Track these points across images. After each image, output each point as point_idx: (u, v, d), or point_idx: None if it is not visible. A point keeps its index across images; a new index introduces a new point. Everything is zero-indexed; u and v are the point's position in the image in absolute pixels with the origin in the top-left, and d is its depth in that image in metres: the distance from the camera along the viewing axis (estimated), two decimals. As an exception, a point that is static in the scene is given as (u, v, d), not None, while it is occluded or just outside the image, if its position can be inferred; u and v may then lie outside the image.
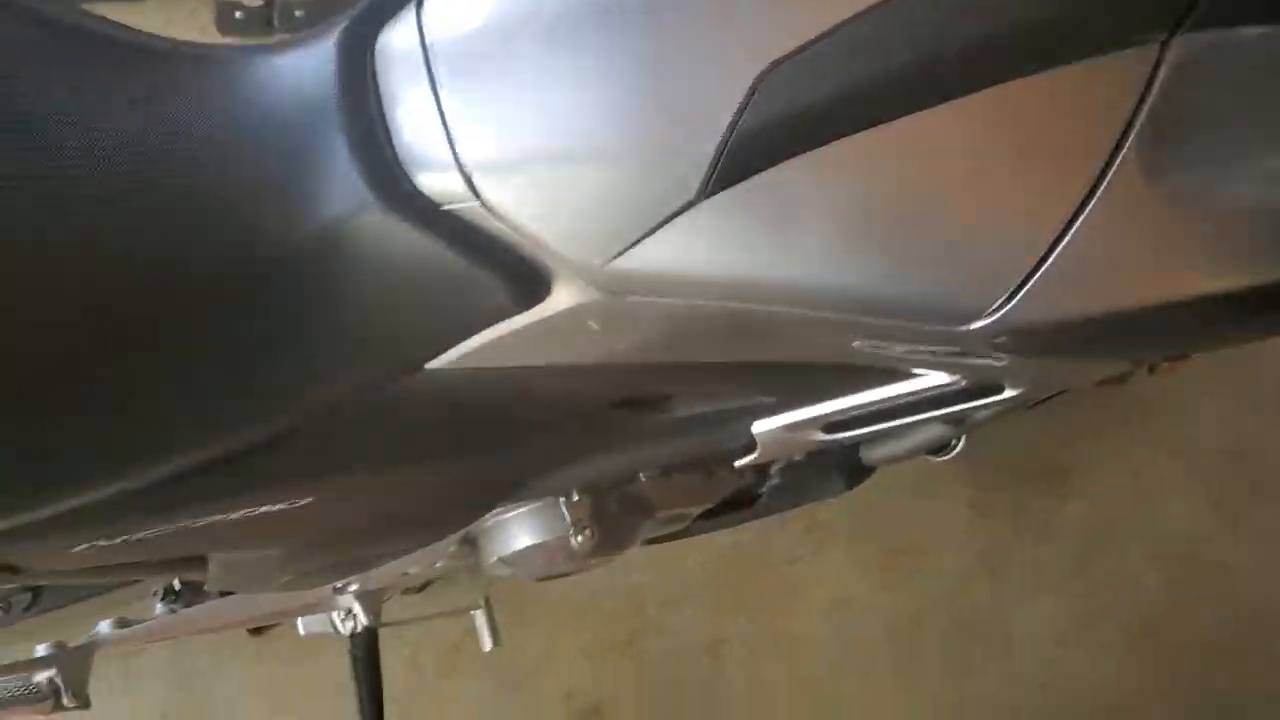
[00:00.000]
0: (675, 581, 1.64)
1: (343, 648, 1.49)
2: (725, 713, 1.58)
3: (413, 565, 1.02)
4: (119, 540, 0.67)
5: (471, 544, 1.04)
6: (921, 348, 0.65)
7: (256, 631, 1.18)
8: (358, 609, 1.10)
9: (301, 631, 1.15)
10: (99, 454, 0.60)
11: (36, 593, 1.00)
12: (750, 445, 0.88)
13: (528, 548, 0.99)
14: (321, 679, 1.48)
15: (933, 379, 0.76)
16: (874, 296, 0.57)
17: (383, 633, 1.43)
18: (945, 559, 1.71)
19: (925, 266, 0.57)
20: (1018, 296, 0.54)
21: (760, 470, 1.19)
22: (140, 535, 0.67)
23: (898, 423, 0.86)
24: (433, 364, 0.65)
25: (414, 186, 0.56)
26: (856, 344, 0.66)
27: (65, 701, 0.89)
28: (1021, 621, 1.68)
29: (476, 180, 0.54)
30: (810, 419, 0.84)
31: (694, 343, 0.66)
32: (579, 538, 0.97)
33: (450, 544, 1.03)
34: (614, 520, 0.99)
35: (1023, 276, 0.53)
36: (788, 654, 1.63)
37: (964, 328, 0.57)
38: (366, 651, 1.09)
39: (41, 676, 0.88)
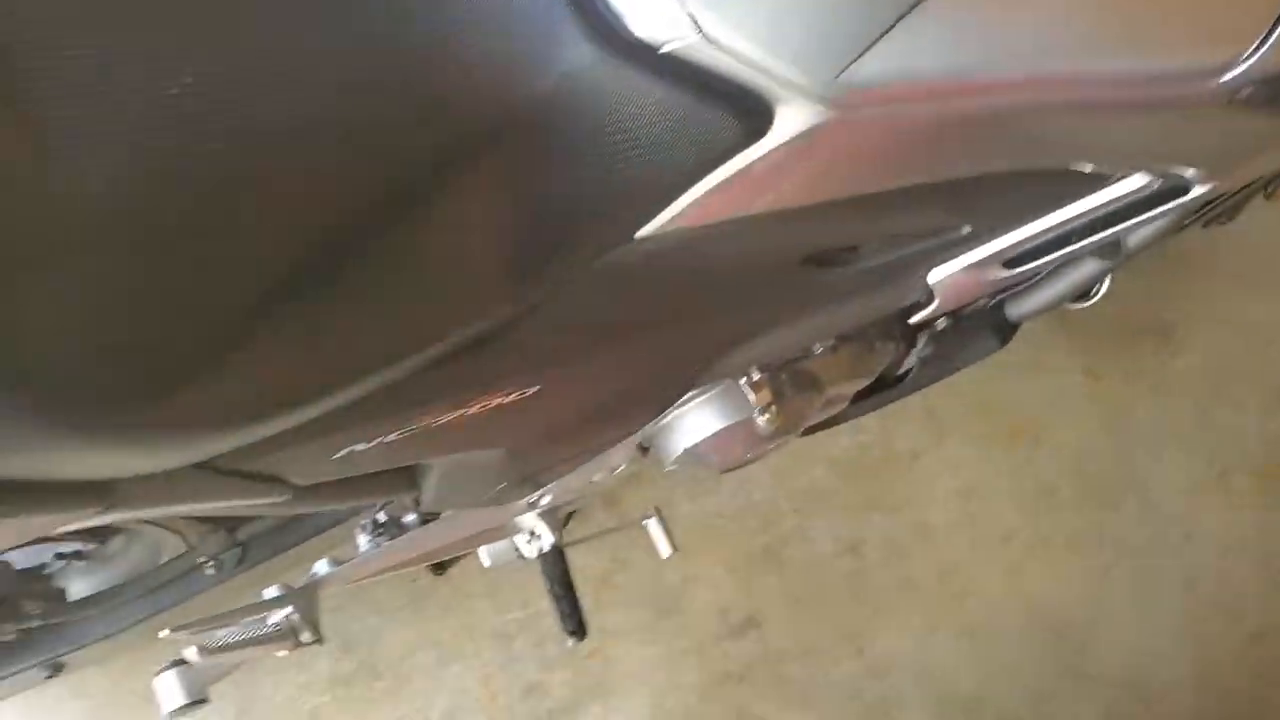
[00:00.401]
0: (804, 491, 1.66)
1: (491, 592, 1.52)
2: (875, 607, 1.60)
3: (601, 469, 1.04)
4: (374, 443, 0.69)
5: (653, 444, 1.06)
6: (1147, 127, 0.65)
7: (439, 569, 1.20)
8: (542, 529, 1.12)
9: (487, 562, 1.17)
10: (372, 344, 0.62)
11: (244, 548, 1.03)
12: (928, 296, 0.89)
13: (715, 434, 1.01)
14: (478, 625, 1.51)
15: (1128, 184, 0.77)
16: (1115, 67, 0.58)
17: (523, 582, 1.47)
18: (1065, 430, 1.72)
19: (1167, 25, 0.58)
20: (1268, 44, 0.55)
21: (910, 341, 1.20)
22: (392, 436, 0.69)
23: (1074, 248, 0.87)
24: (643, 231, 0.66)
25: (631, 32, 0.56)
26: (1081, 135, 0.66)
27: (303, 638, 0.91)
28: (1153, 479, 1.69)
29: (695, 12, 0.55)
30: (992, 254, 0.84)
31: (916, 159, 0.67)
32: (764, 417, 0.99)
33: (637, 440, 1.05)
34: (791, 398, 1.01)
35: (1271, 23, 0.53)
36: (926, 545, 1.64)
37: (1210, 83, 0.58)
38: (558, 569, 1.11)
39: (277, 616, 0.91)
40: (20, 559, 1.10)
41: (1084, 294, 1.25)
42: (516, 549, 1.16)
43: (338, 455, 0.68)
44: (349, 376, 0.61)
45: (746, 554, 1.62)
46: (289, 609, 0.91)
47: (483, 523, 1.05)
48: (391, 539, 1.01)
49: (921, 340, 1.22)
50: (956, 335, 1.23)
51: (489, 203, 0.61)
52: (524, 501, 1.03)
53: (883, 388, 1.27)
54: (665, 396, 0.92)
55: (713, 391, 1.01)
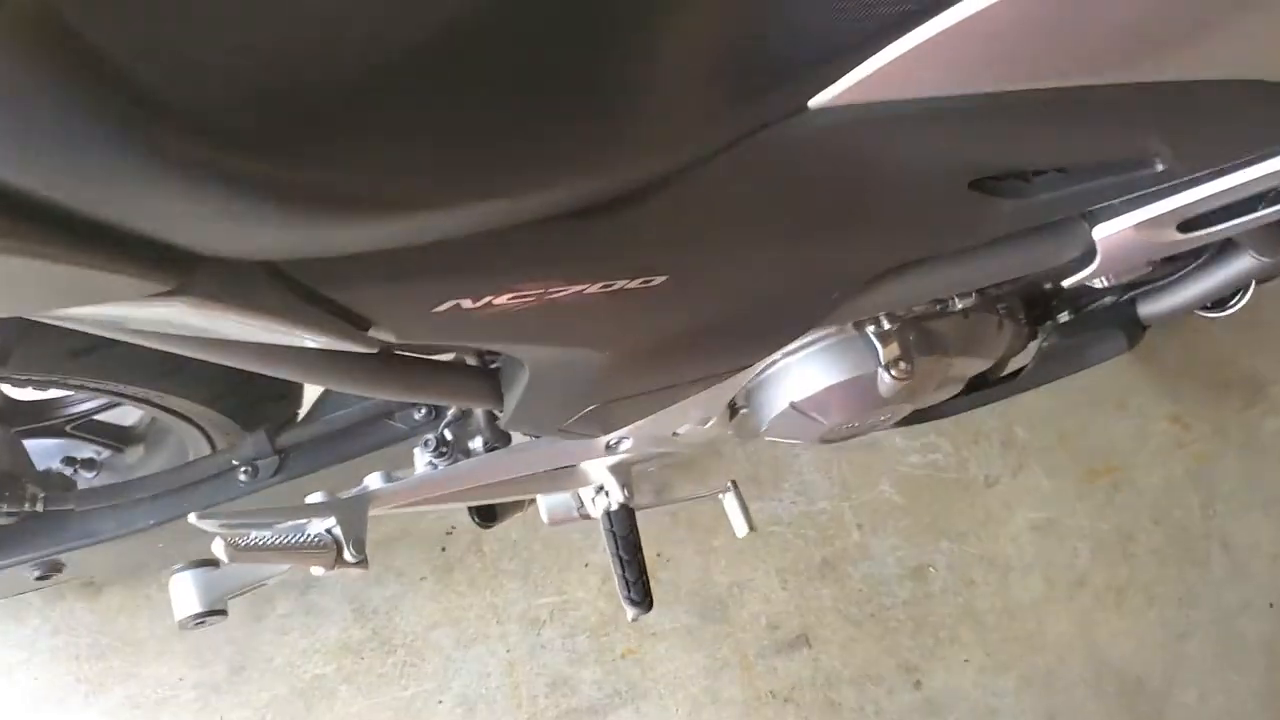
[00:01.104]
0: (870, 505, 1.53)
1: (524, 572, 1.39)
2: (937, 638, 1.46)
3: (688, 419, 0.92)
4: (481, 303, 0.58)
5: (752, 400, 0.94)
6: None
7: (488, 519, 1.07)
8: (611, 484, 1.00)
9: (545, 518, 1.04)
10: (508, 160, 0.51)
11: (283, 457, 0.90)
12: (1089, 253, 0.79)
13: (830, 388, 0.89)
14: (506, 607, 1.38)
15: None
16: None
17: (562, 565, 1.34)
18: (1148, 476, 1.59)
19: None
20: None
21: (1030, 333, 1.09)
22: (503, 299, 0.58)
23: (1260, 214, 0.78)
24: (818, 100, 0.56)
25: None
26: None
27: (347, 555, 0.78)
28: (1237, 540, 1.56)
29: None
30: (1171, 211, 0.75)
31: (1119, 40, 0.57)
32: (890, 373, 0.87)
33: (732, 396, 0.93)
34: (919, 359, 0.89)
35: None
36: (994, 578, 1.51)
37: None
38: (626, 528, 0.98)
39: (319, 527, 0.78)
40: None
41: (1222, 301, 1.15)
42: (580, 505, 1.03)
43: (440, 308, 0.57)
44: (477, 190, 0.51)
45: (804, 566, 1.48)
46: (332, 520, 0.78)
47: (552, 460, 0.93)
48: (453, 462, 0.88)
49: (1044, 333, 1.11)
50: (1082, 331, 1.12)
51: (678, 32, 0.53)
52: (601, 442, 0.91)
53: (993, 382, 1.15)
54: (788, 326, 0.80)
55: (833, 339, 0.89)
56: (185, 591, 0.77)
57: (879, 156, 0.64)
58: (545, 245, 0.57)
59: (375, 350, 0.60)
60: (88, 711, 1.21)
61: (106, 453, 1.08)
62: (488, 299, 0.58)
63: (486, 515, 1.10)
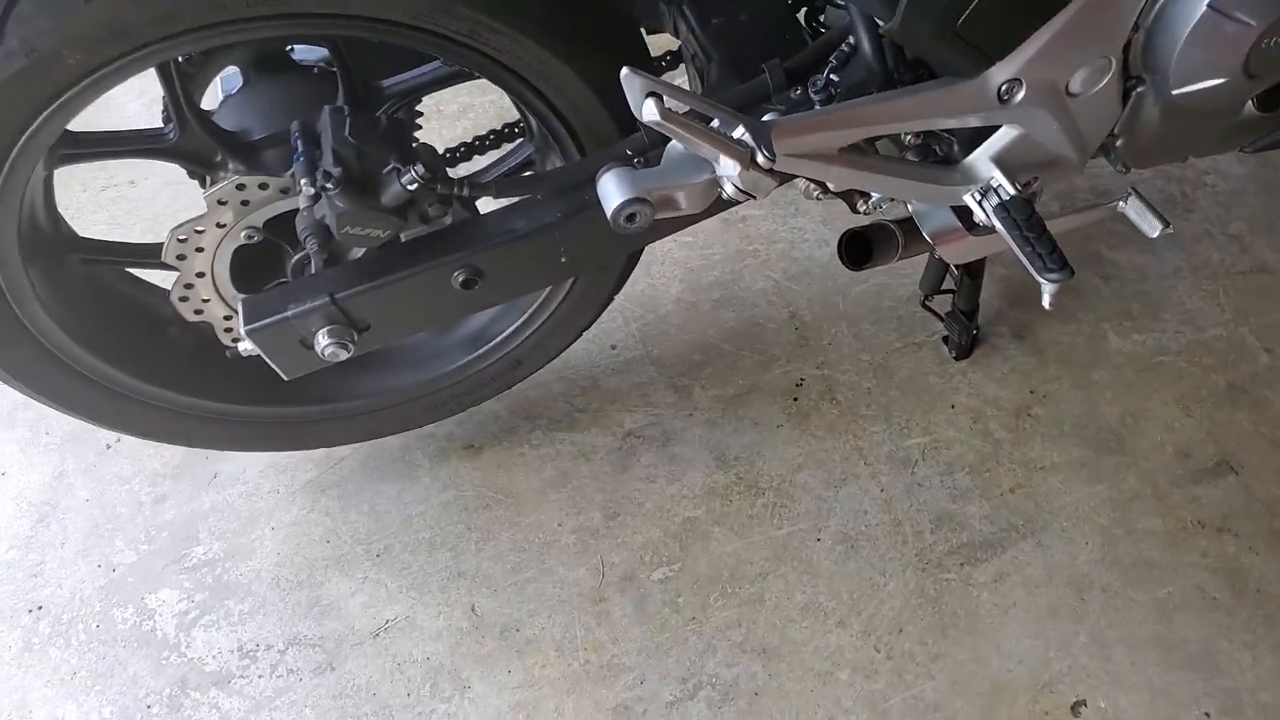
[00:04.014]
0: (1274, 328, 1.33)
1: (886, 415, 1.31)
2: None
3: (1095, 41, 0.84)
4: None
5: (1158, 20, 0.86)
6: None
7: (858, 263, 1.02)
8: (999, 178, 0.93)
9: (927, 235, 0.98)
10: None
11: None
12: None
13: None
14: (872, 450, 1.29)
15: None
16: None
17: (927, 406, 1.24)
18: None
19: None
20: None
21: None
22: None
23: None
24: None
25: None
26: None
27: (760, 159, 0.77)
28: None
29: None
30: None
31: None
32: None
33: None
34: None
35: None
36: None
37: None
38: (1026, 213, 0.90)
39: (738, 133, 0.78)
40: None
41: None
42: (966, 220, 0.97)
43: None
44: None
45: (1207, 392, 1.30)
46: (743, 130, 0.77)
47: (942, 105, 0.86)
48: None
49: None
50: None
51: None
52: (993, 85, 0.85)
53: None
54: None
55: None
56: (612, 185, 0.78)
57: None
58: None
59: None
60: (480, 555, 1.24)
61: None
62: None
63: (858, 257, 1.06)
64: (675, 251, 1.55)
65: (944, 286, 1.35)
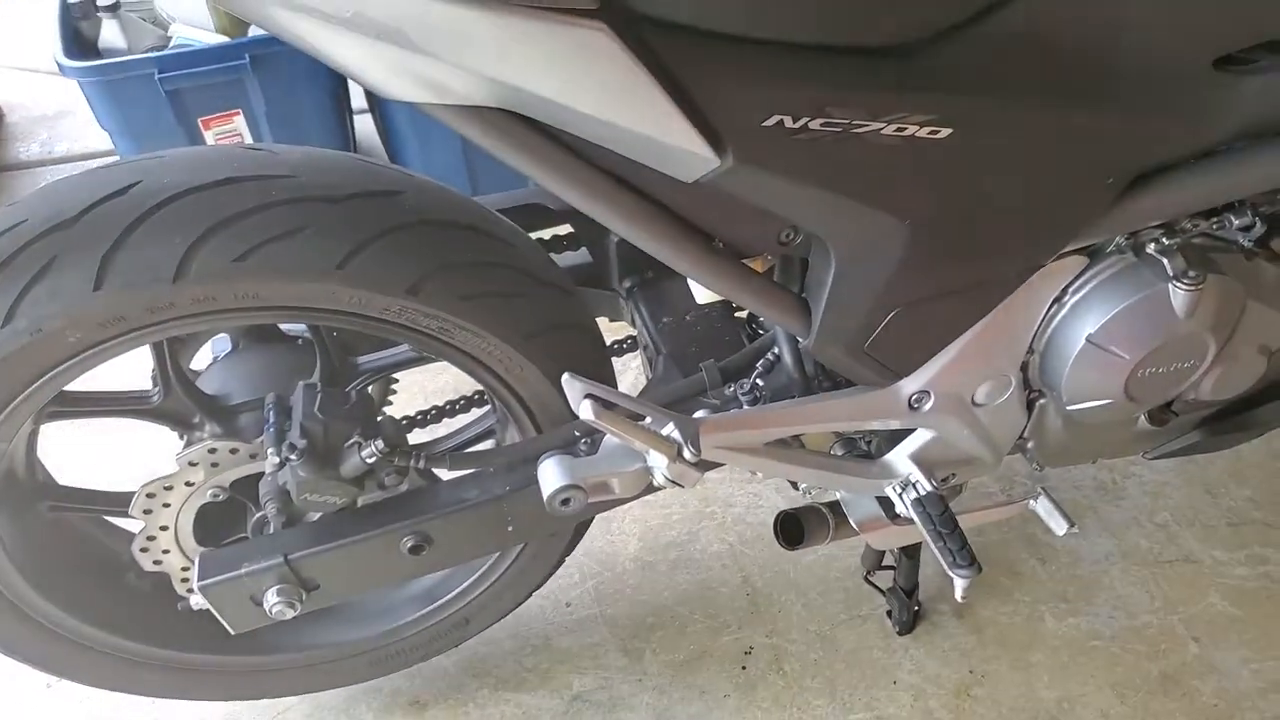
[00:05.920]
0: (1202, 618, 1.37)
1: (829, 693, 1.32)
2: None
3: (994, 358, 0.95)
4: (800, 124, 0.70)
5: (1047, 346, 0.97)
6: None
7: (793, 543, 1.07)
8: (917, 474, 1.01)
9: (854, 525, 1.05)
10: None
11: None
12: None
13: (1123, 309, 0.92)
14: (815, 739, 1.29)
15: None
16: None
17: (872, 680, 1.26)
18: None
19: None
20: None
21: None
22: (817, 125, 0.70)
23: None
24: None
25: None
26: None
27: (686, 454, 0.85)
28: None
29: None
30: None
31: None
32: (1181, 282, 0.90)
33: (1022, 360, 0.96)
34: (1209, 274, 0.91)
35: None
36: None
37: None
38: (940, 509, 0.97)
39: (666, 429, 0.86)
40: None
41: None
42: (889, 509, 1.04)
43: (767, 122, 0.69)
44: None
45: (1140, 680, 1.32)
46: (672, 426, 0.86)
47: (856, 411, 0.96)
48: (773, 399, 0.95)
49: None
50: None
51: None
52: (904, 396, 0.95)
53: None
54: (1066, 215, 0.85)
55: (1117, 266, 0.93)
56: (550, 471, 0.84)
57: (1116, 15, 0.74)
58: (856, 70, 0.69)
59: (718, 163, 0.70)
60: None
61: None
62: (805, 120, 0.70)
63: (792, 537, 1.11)
64: (635, 508, 1.60)
65: (885, 563, 1.40)
